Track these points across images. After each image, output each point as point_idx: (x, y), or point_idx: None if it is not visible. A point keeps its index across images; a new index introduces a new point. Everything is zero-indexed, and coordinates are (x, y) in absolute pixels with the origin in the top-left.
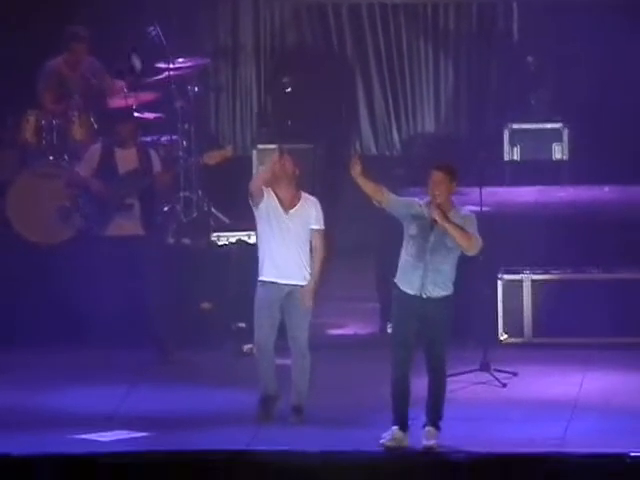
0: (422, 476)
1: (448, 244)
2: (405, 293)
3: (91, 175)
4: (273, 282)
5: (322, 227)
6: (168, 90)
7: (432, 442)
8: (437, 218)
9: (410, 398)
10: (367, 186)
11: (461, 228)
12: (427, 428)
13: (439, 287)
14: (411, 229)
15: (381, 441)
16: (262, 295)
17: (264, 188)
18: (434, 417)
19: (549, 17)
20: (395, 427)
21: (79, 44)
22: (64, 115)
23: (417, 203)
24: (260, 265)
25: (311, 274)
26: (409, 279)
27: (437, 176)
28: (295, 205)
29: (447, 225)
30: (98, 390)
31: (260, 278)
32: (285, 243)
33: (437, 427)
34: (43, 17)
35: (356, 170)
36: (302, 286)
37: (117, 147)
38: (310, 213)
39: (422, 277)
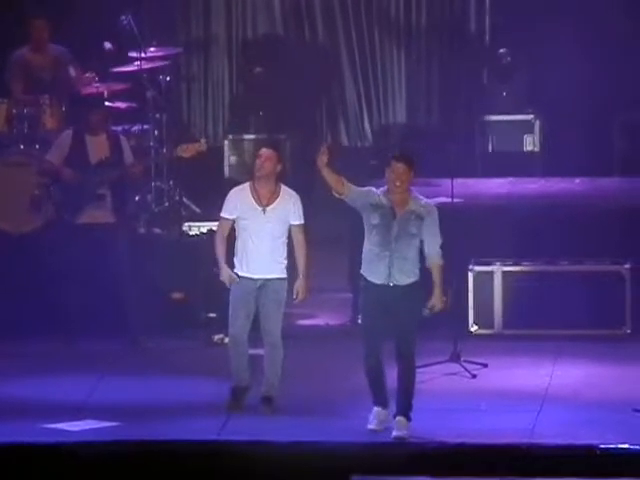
0: (393, 466)
1: (411, 231)
2: (372, 283)
3: (62, 162)
4: (247, 277)
5: (302, 221)
6: (139, 80)
7: (403, 432)
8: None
9: (385, 380)
10: (330, 177)
11: (441, 282)
12: (398, 418)
13: (405, 274)
14: (372, 218)
15: (369, 427)
16: (236, 287)
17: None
18: (404, 407)
19: (521, 9)
20: (377, 407)
21: (39, 32)
22: (35, 104)
23: (375, 193)
24: (236, 259)
25: (298, 279)
26: (376, 269)
27: (398, 167)
28: (273, 202)
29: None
30: (68, 379)
31: (235, 271)
32: (261, 240)
33: (407, 417)
34: (7, 6)
35: (322, 160)
36: (277, 279)
37: (88, 134)
38: (288, 208)
39: (389, 266)
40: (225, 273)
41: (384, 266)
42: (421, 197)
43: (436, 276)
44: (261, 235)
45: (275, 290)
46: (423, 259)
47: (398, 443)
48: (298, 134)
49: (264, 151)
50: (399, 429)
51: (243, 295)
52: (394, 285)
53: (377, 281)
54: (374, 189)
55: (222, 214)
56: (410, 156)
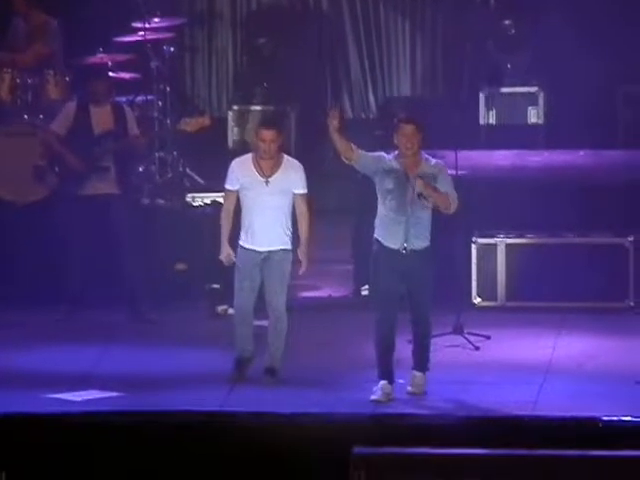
0: (394, 437)
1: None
2: (387, 248)
3: (66, 132)
4: (251, 249)
5: (305, 191)
6: (144, 50)
7: (417, 389)
8: (422, 191)
9: (394, 353)
10: (340, 142)
11: (443, 195)
12: (414, 372)
13: (420, 239)
14: (386, 183)
15: (372, 397)
16: (242, 259)
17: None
18: (421, 362)
19: None
20: (383, 381)
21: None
22: (39, 73)
23: (386, 157)
24: (241, 231)
25: (299, 248)
26: (392, 234)
27: (407, 129)
28: (276, 172)
29: (432, 194)
30: (71, 350)
31: (240, 243)
32: (264, 212)
33: (423, 371)
34: None
35: (334, 125)
36: (281, 250)
37: (92, 105)
38: (291, 178)
39: (405, 230)
40: (224, 251)
41: (402, 231)
42: (430, 158)
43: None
44: (264, 206)
45: (279, 261)
46: (434, 222)
47: (400, 415)
48: (302, 105)
49: (266, 133)
50: (414, 385)
51: (248, 267)
52: (410, 250)
53: (393, 246)
54: (385, 154)
55: (226, 186)
56: (418, 118)
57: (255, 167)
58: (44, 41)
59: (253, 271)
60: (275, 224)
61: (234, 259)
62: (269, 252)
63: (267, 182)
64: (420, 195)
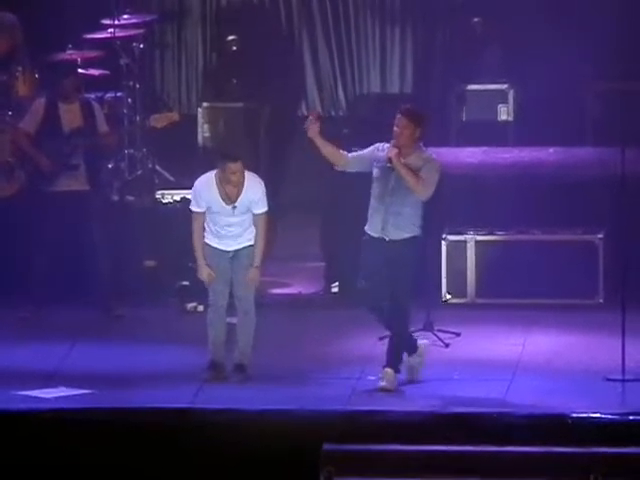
0: (363, 435)
1: (407, 184)
2: (370, 236)
3: (36, 130)
4: (219, 248)
5: (265, 209)
6: (113, 47)
7: (387, 385)
8: (392, 157)
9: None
10: (325, 148)
11: (413, 171)
12: (385, 369)
13: (400, 229)
14: (374, 172)
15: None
16: (210, 256)
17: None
18: (391, 359)
19: None
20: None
21: None
22: (8, 70)
23: (379, 147)
24: (207, 233)
25: (252, 266)
26: (373, 221)
27: (398, 120)
28: (240, 195)
29: (398, 165)
30: (39, 347)
31: (207, 242)
32: (230, 227)
33: (395, 369)
34: None
35: (314, 130)
36: (249, 246)
37: (60, 102)
38: (253, 199)
39: (383, 220)
40: (204, 271)
41: (379, 220)
42: (428, 152)
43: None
44: (231, 225)
45: (248, 256)
46: (426, 214)
47: (370, 412)
48: (272, 102)
49: (234, 167)
50: (385, 380)
51: (218, 262)
52: (389, 240)
53: (374, 234)
54: (380, 144)
55: (192, 208)
56: (416, 110)
57: (220, 193)
58: (1, 37)
59: (224, 266)
60: (241, 231)
61: (214, 276)
62: (236, 250)
63: (234, 208)
64: (389, 161)
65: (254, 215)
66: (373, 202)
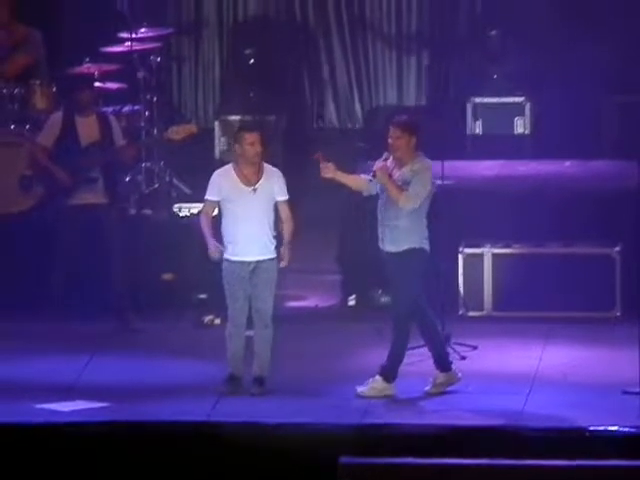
0: (380, 448)
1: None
2: (380, 249)
3: (53, 144)
4: (239, 260)
5: (287, 197)
6: (130, 60)
7: (361, 389)
8: (376, 170)
9: (404, 353)
10: (348, 180)
11: (395, 184)
12: (376, 377)
13: (396, 243)
14: (378, 187)
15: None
16: (231, 271)
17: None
18: (384, 367)
19: None
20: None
21: None
22: (25, 84)
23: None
24: (225, 243)
25: (283, 245)
26: (379, 235)
27: (393, 132)
28: (258, 181)
29: (382, 178)
30: (59, 360)
31: (226, 257)
32: (250, 221)
33: (385, 378)
34: None
35: (329, 170)
36: (269, 259)
37: (77, 115)
38: (273, 186)
39: (381, 232)
40: (212, 246)
41: (380, 233)
42: (424, 162)
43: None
44: (251, 216)
45: (267, 270)
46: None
47: (387, 425)
48: (289, 115)
49: (251, 136)
50: (365, 384)
51: (238, 279)
52: (387, 252)
53: (380, 246)
54: (383, 155)
55: (207, 197)
56: (408, 120)
57: (239, 177)
58: (26, 52)
59: (243, 282)
60: (261, 233)
61: (223, 250)
62: (257, 262)
63: (254, 190)
64: (374, 175)
65: (278, 202)
66: (378, 215)
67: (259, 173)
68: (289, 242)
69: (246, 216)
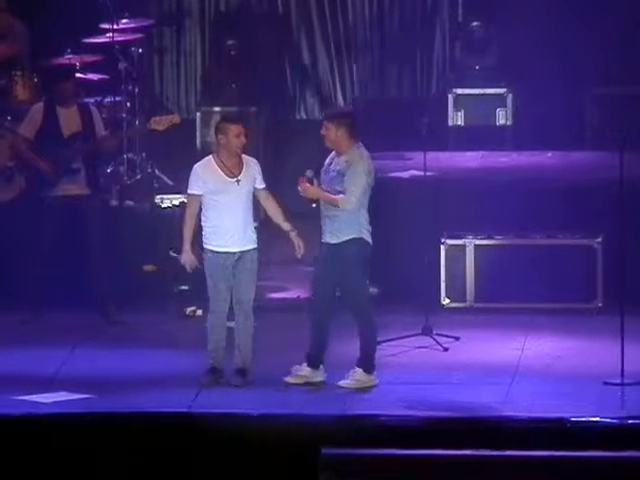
0: (362, 438)
1: (336, 187)
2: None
3: (35, 135)
4: (224, 252)
5: (264, 184)
6: (112, 51)
7: (344, 382)
8: (308, 194)
9: (326, 340)
10: (328, 198)
11: (328, 195)
12: (356, 369)
13: (336, 234)
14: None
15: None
16: (215, 262)
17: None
18: (360, 359)
19: None
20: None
21: None
22: (7, 75)
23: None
24: (208, 235)
25: (291, 234)
26: (322, 228)
27: (323, 125)
28: (241, 171)
29: (316, 195)
30: (38, 352)
31: (210, 248)
32: (235, 212)
33: (365, 370)
34: None
35: (313, 190)
36: (252, 249)
37: (59, 106)
38: (255, 175)
39: (322, 225)
40: (188, 258)
41: (322, 225)
42: (358, 152)
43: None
44: (236, 207)
45: (251, 260)
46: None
47: (369, 416)
48: (270, 106)
49: (239, 128)
50: (345, 378)
51: (222, 270)
52: (326, 243)
53: (322, 239)
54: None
55: (191, 191)
56: (334, 113)
57: (222, 169)
58: (10, 43)
59: (226, 273)
60: (245, 224)
61: (198, 265)
62: (242, 252)
63: (238, 181)
64: (311, 202)
65: (259, 190)
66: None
67: (240, 164)
68: (292, 227)
69: (231, 207)
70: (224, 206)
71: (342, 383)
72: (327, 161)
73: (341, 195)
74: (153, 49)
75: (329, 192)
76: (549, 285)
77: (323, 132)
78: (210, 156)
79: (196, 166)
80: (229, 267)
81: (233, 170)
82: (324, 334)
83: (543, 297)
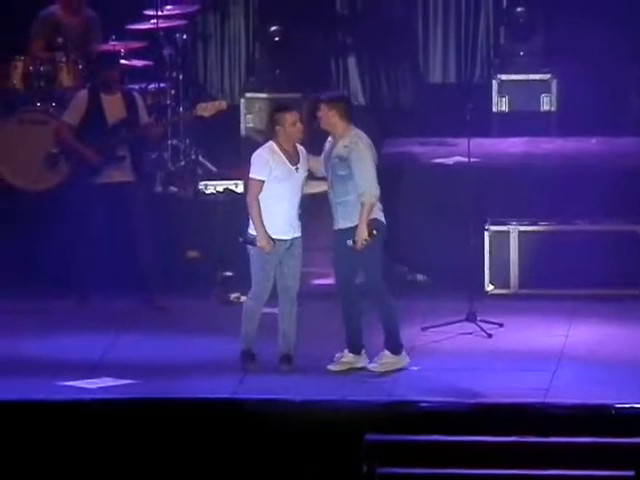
0: (406, 425)
1: (340, 172)
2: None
3: (80, 123)
4: (279, 239)
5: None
6: (156, 38)
7: (372, 365)
8: (357, 246)
9: (358, 325)
10: (364, 219)
11: (365, 217)
12: (384, 351)
13: (349, 217)
14: (323, 169)
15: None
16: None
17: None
18: (387, 341)
19: None
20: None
21: None
22: (52, 61)
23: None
24: (269, 221)
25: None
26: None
27: (319, 108)
28: (300, 159)
29: (365, 232)
30: (84, 337)
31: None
32: (291, 200)
33: (392, 351)
34: None
35: (363, 235)
36: (300, 237)
37: (103, 93)
38: (307, 163)
39: (334, 212)
40: (264, 239)
41: (334, 213)
42: (353, 136)
43: (361, 212)
44: (295, 194)
45: (299, 246)
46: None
47: (412, 402)
48: (315, 92)
49: (294, 116)
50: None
51: (274, 257)
52: (338, 229)
53: (334, 228)
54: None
55: (259, 177)
56: (325, 96)
57: (286, 156)
58: (96, 37)
59: (276, 261)
60: (296, 211)
61: (274, 245)
62: (293, 239)
63: (297, 169)
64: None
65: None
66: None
67: (297, 152)
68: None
69: (289, 195)
70: (283, 193)
71: (371, 366)
72: (327, 147)
73: (361, 199)
74: (197, 35)
75: (337, 183)
76: (593, 271)
77: (319, 114)
78: (271, 142)
79: (261, 152)
80: (280, 255)
81: (294, 158)
82: (356, 319)
83: (587, 283)
